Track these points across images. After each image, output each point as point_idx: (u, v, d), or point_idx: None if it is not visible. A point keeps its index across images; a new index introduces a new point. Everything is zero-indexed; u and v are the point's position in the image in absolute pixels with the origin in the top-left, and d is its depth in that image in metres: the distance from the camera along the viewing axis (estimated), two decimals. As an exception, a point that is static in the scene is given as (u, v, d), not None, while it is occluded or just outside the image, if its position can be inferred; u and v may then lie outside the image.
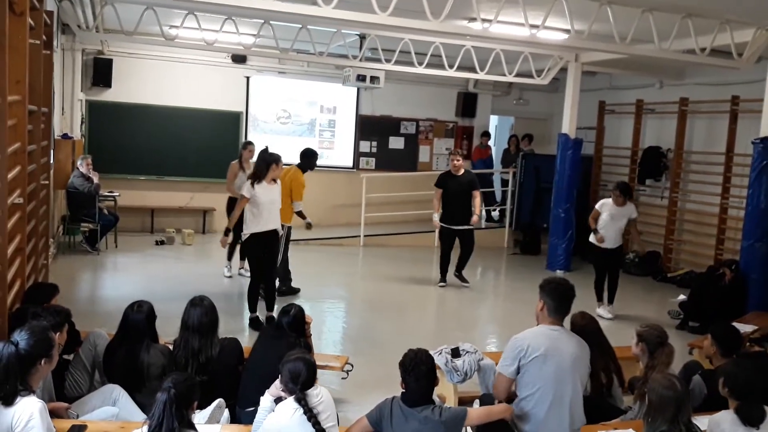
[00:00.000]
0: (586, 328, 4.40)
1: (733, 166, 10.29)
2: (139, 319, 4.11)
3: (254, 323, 6.82)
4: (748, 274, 7.85)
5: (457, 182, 9.03)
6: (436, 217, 9.09)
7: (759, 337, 5.92)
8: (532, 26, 6.74)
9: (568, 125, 10.80)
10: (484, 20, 6.68)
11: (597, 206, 8.34)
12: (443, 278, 9.35)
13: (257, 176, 6.64)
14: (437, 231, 9.54)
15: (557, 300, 3.88)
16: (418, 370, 3.45)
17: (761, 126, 7.90)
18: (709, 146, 10.84)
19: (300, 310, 4.46)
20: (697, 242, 11.03)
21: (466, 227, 9.08)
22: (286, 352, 3.72)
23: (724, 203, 10.37)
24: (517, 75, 10.38)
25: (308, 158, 8.21)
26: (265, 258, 6.74)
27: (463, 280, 9.41)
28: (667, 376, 3.45)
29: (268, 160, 6.69)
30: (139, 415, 3.72)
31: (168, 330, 4.45)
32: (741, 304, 7.63)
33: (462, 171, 9.14)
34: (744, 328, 6.16)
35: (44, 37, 6.06)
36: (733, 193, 10.26)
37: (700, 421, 3.67)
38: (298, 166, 8.13)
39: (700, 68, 10.26)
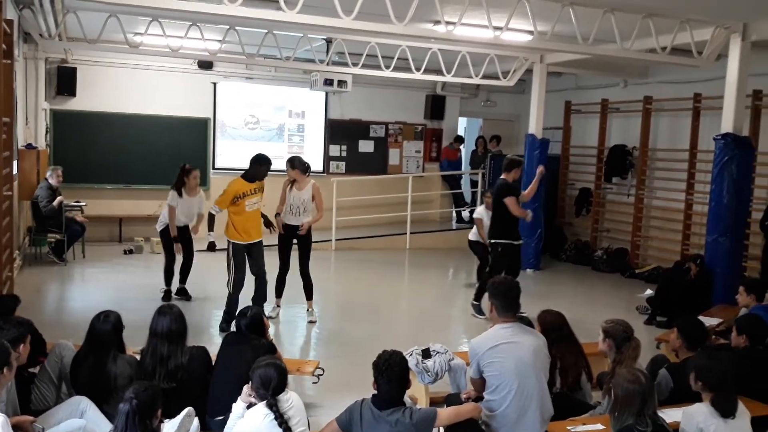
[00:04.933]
0: (554, 325, 4.49)
1: (696, 162, 10.47)
2: (105, 329, 4.06)
3: (167, 295, 8.17)
4: (713, 268, 7.98)
5: None
6: None
7: (724, 329, 6.01)
8: (496, 28, 6.81)
9: (535, 126, 10.91)
10: (448, 23, 6.72)
11: (476, 216, 9.36)
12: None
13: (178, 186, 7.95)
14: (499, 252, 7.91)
15: (501, 298, 3.98)
16: (391, 372, 3.47)
17: (722, 122, 8.05)
18: (673, 143, 11.02)
19: (257, 311, 4.49)
20: (663, 238, 11.20)
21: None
22: (251, 356, 3.71)
23: (689, 199, 10.55)
24: (484, 77, 10.46)
25: (255, 165, 6.99)
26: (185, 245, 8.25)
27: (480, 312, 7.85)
28: (632, 370, 3.50)
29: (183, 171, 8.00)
30: (107, 427, 3.67)
31: (137, 340, 4.39)
32: (707, 297, 7.75)
33: None
34: (710, 321, 6.28)
35: (4, 46, 5.98)
36: (697, 189, 10.44)
37: (668, 413, 3.74)
38: (242, 174, 7.07)
39: (662, 67, 10.45)
